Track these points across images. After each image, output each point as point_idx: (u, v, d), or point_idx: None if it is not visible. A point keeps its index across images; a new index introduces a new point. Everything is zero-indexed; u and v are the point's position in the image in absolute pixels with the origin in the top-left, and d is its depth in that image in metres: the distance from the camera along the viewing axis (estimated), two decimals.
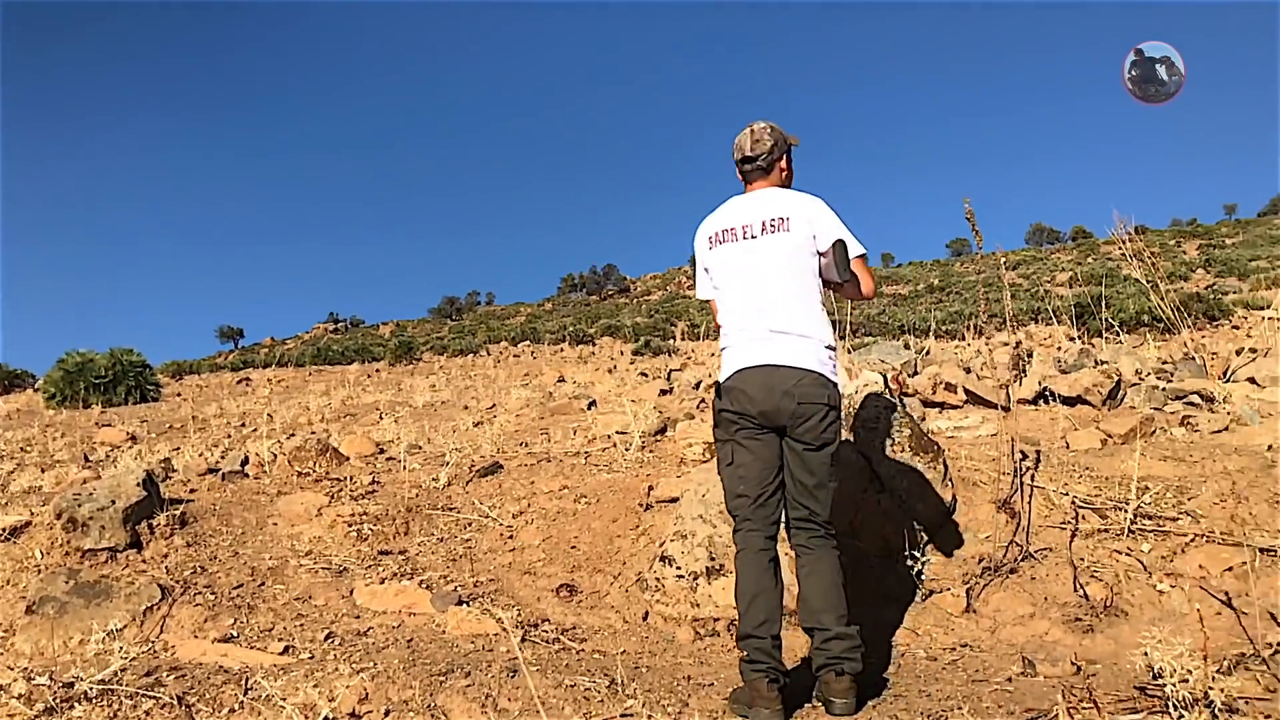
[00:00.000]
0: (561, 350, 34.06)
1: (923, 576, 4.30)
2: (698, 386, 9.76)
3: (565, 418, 9.50)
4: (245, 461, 7.36)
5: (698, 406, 8.23)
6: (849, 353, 10.31)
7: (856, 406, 4.85)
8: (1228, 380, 8.07)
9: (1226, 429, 6.27)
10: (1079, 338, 15.63)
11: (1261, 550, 4.20)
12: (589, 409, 9.86)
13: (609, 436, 7.06)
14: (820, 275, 3.44)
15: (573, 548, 4.95)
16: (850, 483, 4.60)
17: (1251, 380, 8.02)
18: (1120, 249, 8.58)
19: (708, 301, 3.68)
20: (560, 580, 4.65)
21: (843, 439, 4.87)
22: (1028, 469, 5.12)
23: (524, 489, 5.83)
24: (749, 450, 3.35)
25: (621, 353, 29.78)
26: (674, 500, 4.89)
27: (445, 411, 12.65)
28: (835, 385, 3.34)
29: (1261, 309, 21.70)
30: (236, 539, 5.22)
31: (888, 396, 4.92)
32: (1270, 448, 5.35)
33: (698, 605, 4.17)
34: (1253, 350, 9.17)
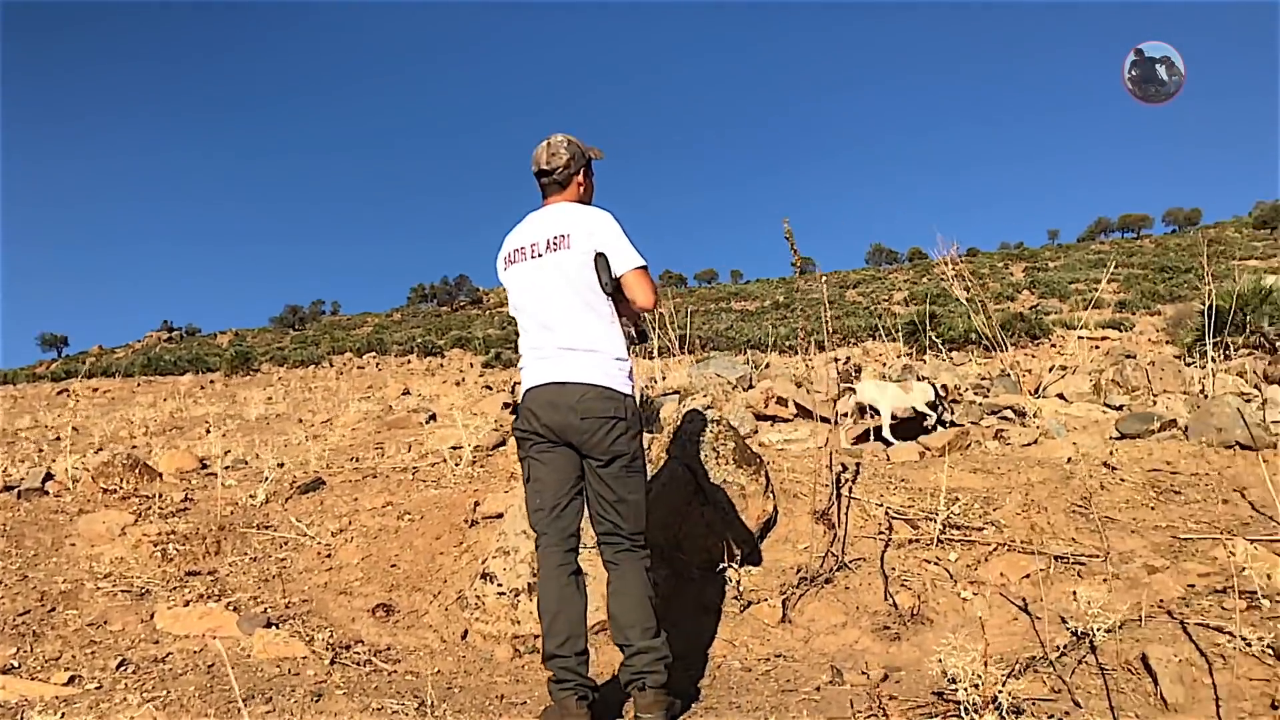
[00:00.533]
0: (409, 362, 33.40)
1: (742, 588, 4.36)
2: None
3: (402, 432, 9.28)
4: (48, 478, 6.89)
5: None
6: (693, 365, 10.42)
7: (680, 420, 4.89)
8: (1039, 396, 8.54)
9: (1035, 442, 6.62)
10: (909, 354, 16.30)
11: (1056, 558, 4.43)
12: (428, 423, 9.67)
13: (441, 451, 6.92)
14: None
15: (393, 566, 4.81)
16: (675, 495, 4.62)
17: (1061, 396, 8.52)
18: (949, 270, 9.00)
19: None
20: (377, 600, 4.50)
21: (649, 450, 4.91)
22: (847, 481, 5.28)
23: (346, 506, 5.63)
24: (543, 464, 3.36)
25: (471, 365, 29.43)
26: (500, 516, 4.81)
27: (279, 425, 12.21)
28: (626, 397, 3.33)
29: (1075, 328, 23.16)
30: (27, 561, 4.86)
31: (712, 412, 4.97)
32: (1069, 460, 5.66)
33: (518, 622, 4.11)
34: (1063, 368, 9.75)
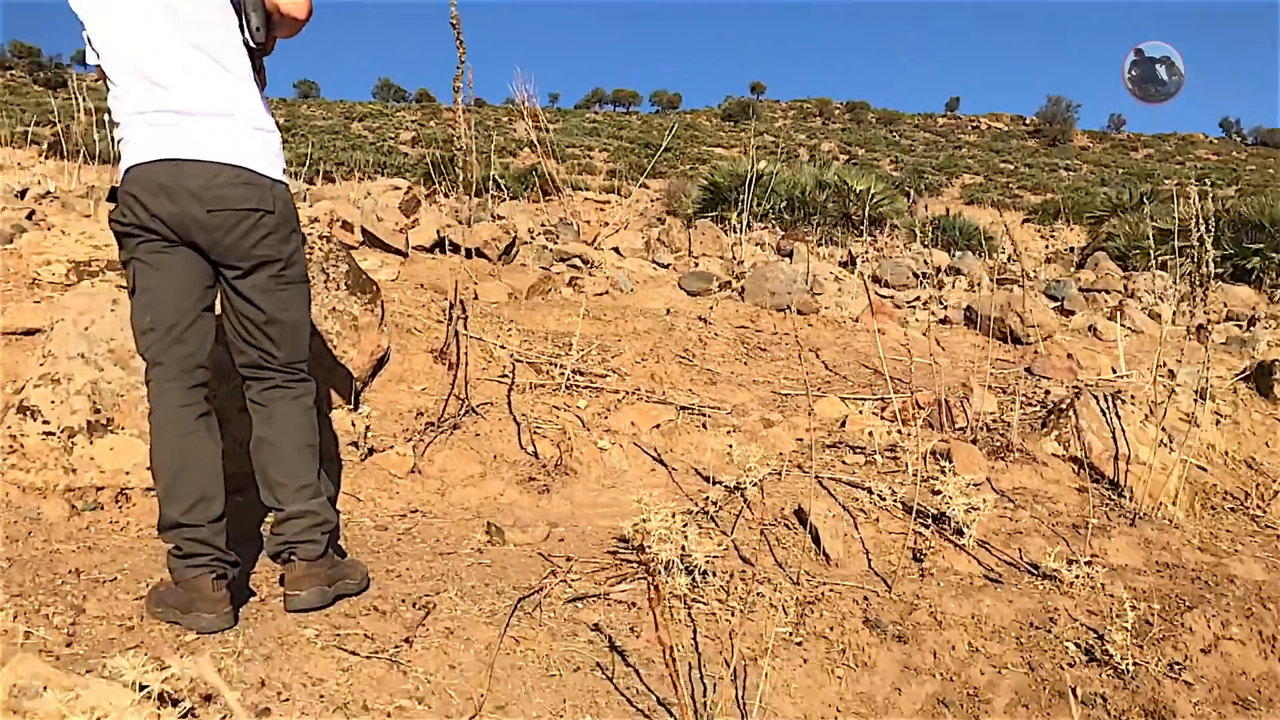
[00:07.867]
0: None
1: (369, 433, 3.74)
2: (23, 194, 7.77)
3: None
4: None
5: (28, 216, 6.47)
6: None
7: None
8: (596, 248, 8.63)
9: (606, 293, 6.62)
10: (429, 196, 15.87)
11: (681, 408, 4.40)
12: None
13: None
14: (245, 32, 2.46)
15: None
16: None
17: (616, 250, 8.69)
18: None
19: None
20: None
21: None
22: (459, 318, 4.80)
23: None
24: (156, 270, 2.40)
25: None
26: (32, 333, 3.64)
27: None
28: (275, 184, 2.48)
29: (581, 189, 24.29)
30: None
31: (320, 226, 4.18)
32: (668, 311, 5.70)
33: (74, 471, 3.13)
34: (606, 224, 9.99)
